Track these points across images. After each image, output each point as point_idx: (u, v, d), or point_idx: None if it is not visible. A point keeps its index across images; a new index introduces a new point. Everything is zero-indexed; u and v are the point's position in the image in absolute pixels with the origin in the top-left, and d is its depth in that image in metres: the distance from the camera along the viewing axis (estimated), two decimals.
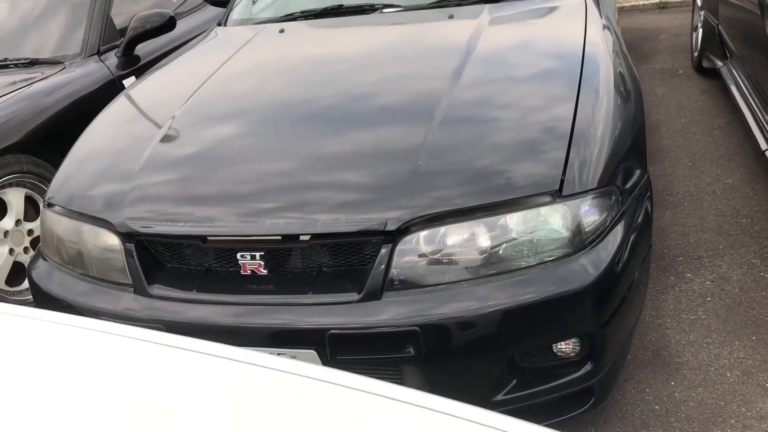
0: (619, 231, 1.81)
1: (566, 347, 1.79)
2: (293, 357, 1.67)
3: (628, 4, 6.88)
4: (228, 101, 2.34)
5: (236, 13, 3.26)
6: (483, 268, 1.69)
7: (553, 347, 1.78)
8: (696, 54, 4.81)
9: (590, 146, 1.84)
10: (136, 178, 1.99)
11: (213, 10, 4.11)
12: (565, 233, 1.71)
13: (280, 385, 1.04)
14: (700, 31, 4.67)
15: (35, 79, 3.27)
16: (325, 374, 1.07)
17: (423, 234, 1.70)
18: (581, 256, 1.72)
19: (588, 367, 1.79)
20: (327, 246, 1.75)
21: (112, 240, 1.90)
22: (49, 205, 2.10)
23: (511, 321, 1.67)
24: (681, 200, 3.22)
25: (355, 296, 1.69)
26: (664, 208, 3.17)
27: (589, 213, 1.75)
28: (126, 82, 3.51)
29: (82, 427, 0.95)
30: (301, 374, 1.06)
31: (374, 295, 1.68)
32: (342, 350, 1.68)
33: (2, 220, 2.94)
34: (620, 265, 1.77)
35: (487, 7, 2.70)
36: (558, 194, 1.71)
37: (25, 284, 2.89)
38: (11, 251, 2.96)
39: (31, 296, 2.14)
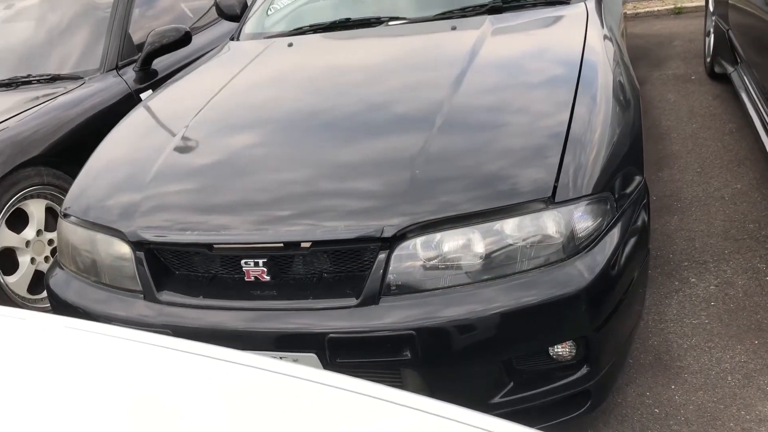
0: (614, 236, 1.84)
1: (562, 350, 1.82)
2: (295, 360, 1.73)
3: (643, 10, 6.86)
4: (235, 115, 2.42)
5: (248, 28, 3.35)
6: (478, 274, 1.74)
7: (549, 350, 1.82)
8: (708, 59, 4.80)
9: (585, 153, 1.88)
10: (146, 188, 2.07)
11: (227, 25, 4.20)
12: (559, 239, 1.75)
13: (279, 388, 1.08)
14: (712, 36, 4.67)
15: (56, 95, 3.39)
16: (324, 377, 1.10)
17: (419, 240, 1.75)
18: (576, 260, 1.76)
19: (584, 370, 1.82)
20: (327, 253, 1.81)
21: (124, 249, 1.98)
22: (65, 216, 2.19)
23: (506, 324, 1.71)
24: (689, 205, 3.23)
25: (353, 301, 1.75)
26: (671, 213, 3.18)
27: (583, 219, 1.79)
28: (143, 96, 3.61)
29: (83, 427, 0.99)
30: (300, 377, 1.10)
31: (372, 300, 1.74)
32: (341, 354, 1.74)
33: (24, 231, 3.05)
34: (615, 269, 1.81)
35: (489, 18, 2.75)
36: (551, 201, 1.75)
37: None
38: (33, 260, 3.07)
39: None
